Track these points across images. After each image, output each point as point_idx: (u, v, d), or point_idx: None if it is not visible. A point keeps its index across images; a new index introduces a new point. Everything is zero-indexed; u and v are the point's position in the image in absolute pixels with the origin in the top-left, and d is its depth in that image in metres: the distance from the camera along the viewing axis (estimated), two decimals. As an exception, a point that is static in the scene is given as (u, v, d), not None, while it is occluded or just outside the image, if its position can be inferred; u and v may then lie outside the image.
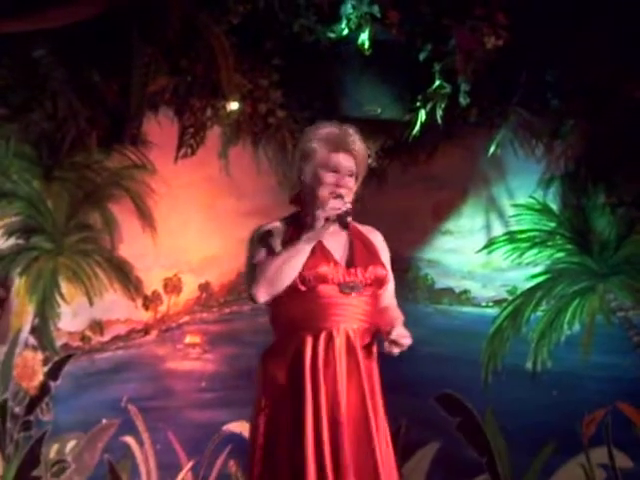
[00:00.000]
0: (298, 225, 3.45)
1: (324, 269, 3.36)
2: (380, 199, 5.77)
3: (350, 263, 3.43)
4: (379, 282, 3.48)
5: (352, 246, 3.48)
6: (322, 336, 3.35)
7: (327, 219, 3.32)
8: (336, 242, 3.45)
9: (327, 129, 3.49)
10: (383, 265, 3.51)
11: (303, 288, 3.35)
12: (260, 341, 6.00)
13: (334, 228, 3.40)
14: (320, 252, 3.38)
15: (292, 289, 3.34)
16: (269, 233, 3.43)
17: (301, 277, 3.33)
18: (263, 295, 3.33)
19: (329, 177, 3.41)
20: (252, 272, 3.36)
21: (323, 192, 3.40)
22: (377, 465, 3.30)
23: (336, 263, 3.41)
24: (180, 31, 5.28)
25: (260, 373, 3.47)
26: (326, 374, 3.33)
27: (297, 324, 3.40)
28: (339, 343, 3.36)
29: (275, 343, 3.49)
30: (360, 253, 3.48)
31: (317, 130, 3.50)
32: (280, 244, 3.40)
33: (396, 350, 3.30)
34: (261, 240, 3.42)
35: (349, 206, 3.36)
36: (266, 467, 3.37)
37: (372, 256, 3.51)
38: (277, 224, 3.48)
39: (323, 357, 3.34)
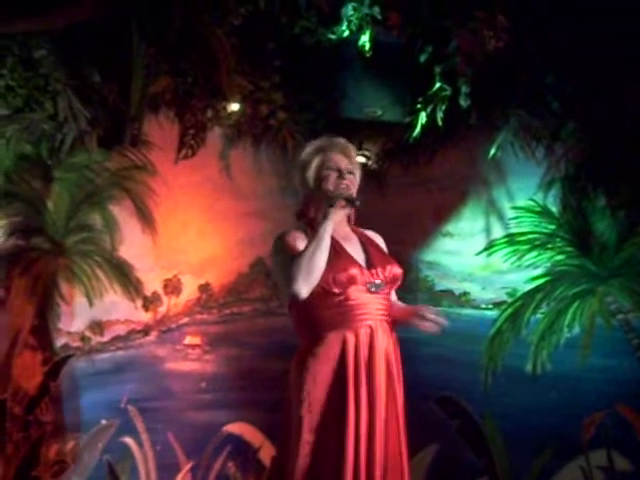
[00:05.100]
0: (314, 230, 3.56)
1: (354, 271, 3.55)
2: (380, 201, 5.79)
3: (369, 264, 3.62)
4: (396, 280, 3.69)
5: (366, 249, 3.69)
6: (361, 334, 3.53)
7: (336, 204, 3.51)
8: (353, 246, 3.67)
9: (318, 140, 3.71)
10: (398, 264, 3.68)
11: (337, 290, 3.51)
12: (259, 342, 6.02)
13: (346, 229, 3.68)
14: (345, 255, 3.58)
15: (324, 293, 3.50)
16: (293, 237, 3.55)
17: (334, 280, 3.50)
18: (304, 289, 3.43)
19: (333, 175, 3.62)
20: (287, 274, 3.44)
21: (329, 187, 3.60)
22: (404, 460, 3.55)
23: (361, 265, 3.59)
24: (181, 32, 5.28)
25: (303, 374, 3.51)
26: (367, 370, 3.51)
27: (332, 326, 3.52)
28: (379, 338, 3.54)
29: (313, 345, 3.53)
30: (376, 255, 3.68)
31: (311, 143, 3.71)
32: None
33: (436, 328, 3.58)
34: (288, 245, 3.53)
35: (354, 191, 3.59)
36: (314, 461, 3.45)
37: (386, 257, 3.72)
38: (296, 231, 3.60)
39: (365, 354, 3.52)
